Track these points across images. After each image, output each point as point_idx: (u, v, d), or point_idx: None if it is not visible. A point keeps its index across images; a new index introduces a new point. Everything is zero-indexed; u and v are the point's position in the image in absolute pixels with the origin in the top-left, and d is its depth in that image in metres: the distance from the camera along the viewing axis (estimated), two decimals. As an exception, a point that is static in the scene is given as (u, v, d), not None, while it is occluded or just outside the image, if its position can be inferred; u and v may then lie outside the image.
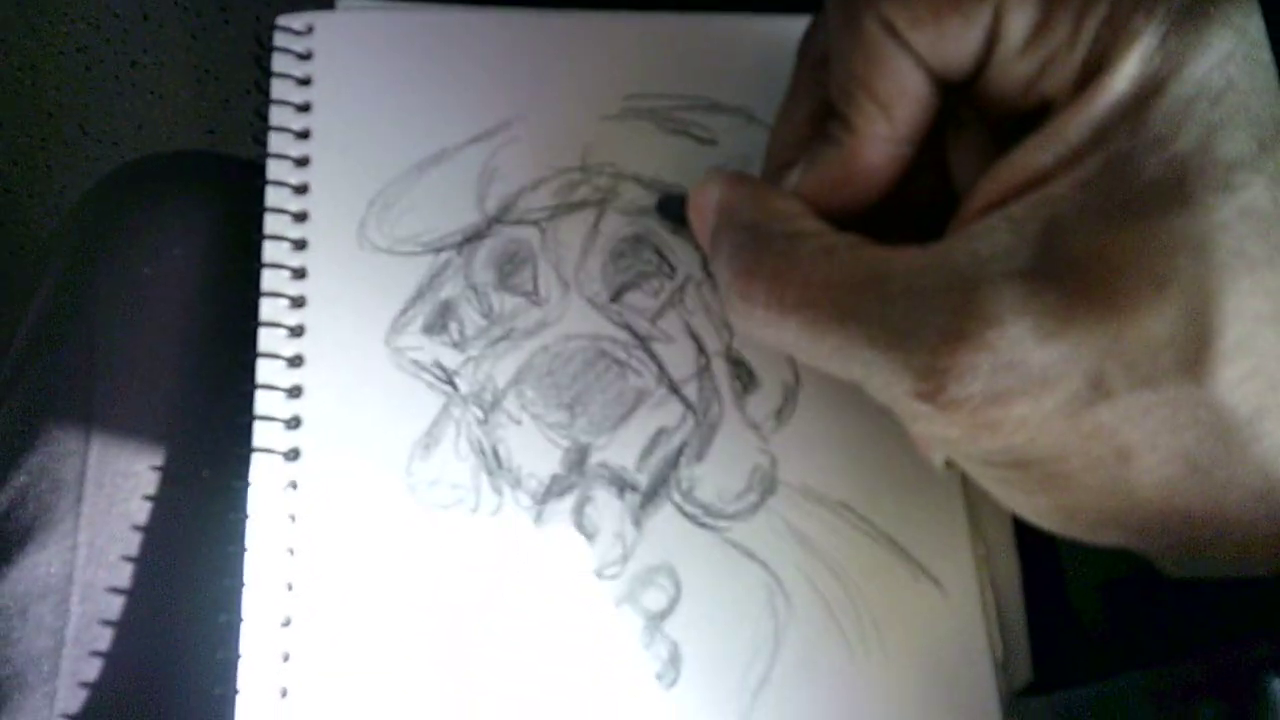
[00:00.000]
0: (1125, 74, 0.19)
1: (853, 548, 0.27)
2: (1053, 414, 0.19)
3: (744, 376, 0.29)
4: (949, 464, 0.23)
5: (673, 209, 0.29)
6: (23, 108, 0.84)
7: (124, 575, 0.29)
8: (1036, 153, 0.19)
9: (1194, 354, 0.18)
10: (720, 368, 0.29)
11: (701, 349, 0.29)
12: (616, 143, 0.30)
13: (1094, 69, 0.19)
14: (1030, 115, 0.21)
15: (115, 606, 0.29)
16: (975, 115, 0.22)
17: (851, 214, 0.23)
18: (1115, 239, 0.18)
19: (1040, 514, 0.21)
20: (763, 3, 0.32)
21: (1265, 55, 0.19)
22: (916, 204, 0.23)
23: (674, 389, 0.28)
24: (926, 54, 0.20)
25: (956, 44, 0.20)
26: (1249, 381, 0.18)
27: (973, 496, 0.28)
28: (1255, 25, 0.19)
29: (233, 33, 0.82)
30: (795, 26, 0.26)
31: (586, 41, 0.31)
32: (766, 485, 0.28)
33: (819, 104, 0.24)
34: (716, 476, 0.28)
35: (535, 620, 0.27)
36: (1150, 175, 0.18)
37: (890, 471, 0.28)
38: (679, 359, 0.29)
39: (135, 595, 0.29)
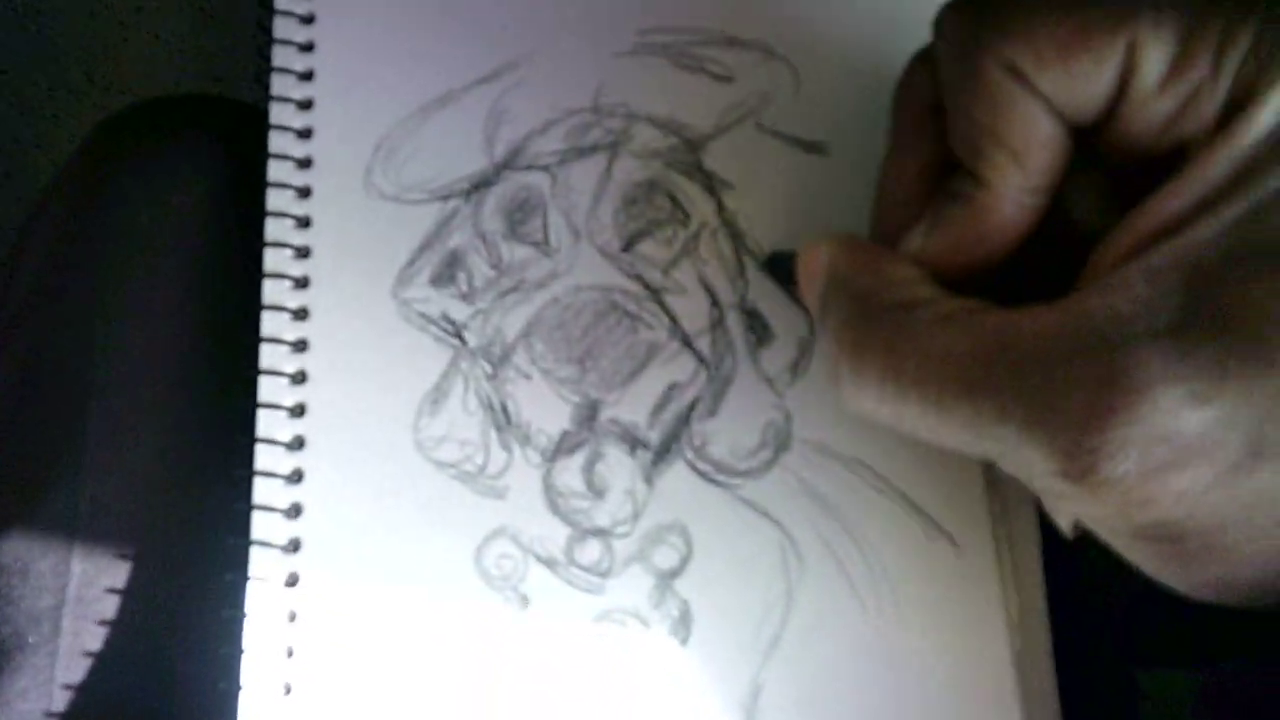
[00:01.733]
0: (1274, 106, 0.17)
1: (867, 505, 0.26)
2: (1212, 485, 0.17)
3: (759, 329, 0.28)
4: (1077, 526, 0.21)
5: (782, 267, 0.27)
6: (27, 55, 0.82)
7: (126, 532, 0.29)
8: (1175, 197, 0.18)
9: None
10: (735, 320, 0.28)
11: (715, 301, 0.28)
12: (629, 81, 0.29)
13: (1238, 104, 0.18)
14: (1161, 157, 0.19)
15: (117, 565, 0.29)
16: (1098, 157, 0.21)
17: (977, 274, 0.21)
18: (1268, 286, 0.17)
19: (1193, 586, 0.19)
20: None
21: None
22: (1031, 254, 0.22)
23: (687, 342, 0.28)
24: (1055, 97, 0.19)
25: (1087, 85, 0.19)
26: None
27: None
28: None
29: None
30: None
31: None
32: (781, 441, 0.27)
33: (931, 157, 0.23)
34: (729, 432, 0.27)
35: (543, 581, 0.26)
36: None
37: (909, 428, 0.27)
38: (692, 311, 0.28)
39: (138, 552, 0.29)
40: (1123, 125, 0.19)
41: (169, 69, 0.82)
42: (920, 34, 0.29)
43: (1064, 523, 0.21)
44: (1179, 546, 0.18)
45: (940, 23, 0.21)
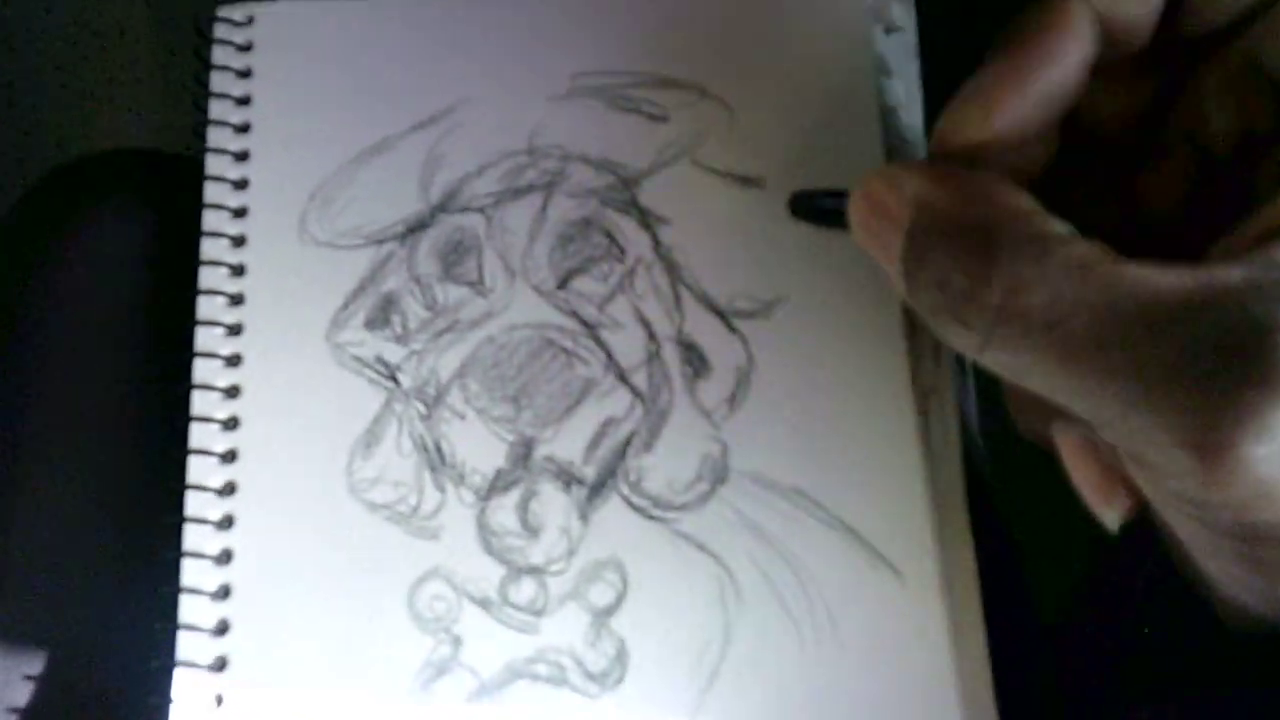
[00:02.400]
0: None
1: (807, 535, 0.26)
2: None
3: (695, 362, 0.28)
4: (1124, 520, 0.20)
5: (817, 207, 0.25)
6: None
7: (56, 579, 0.29)
8: None
9: None
10: (671, 353, 0.28)
11: (652, 334, 0.28)
12: (564, 123, 0.30)
13: None
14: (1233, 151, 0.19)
15: (45, 610, 0.29)
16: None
17: (1051, 121, 0.21)
18: None
19: (1268, 600, 0.18)
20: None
21: None
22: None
23: (622, 377, 0.28)
24: None
25: None
26: None
27: (930, 482, 0.27)
28: None
29: (171, 30, 0.81)
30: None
31: (532, 19, 0.30)
32: (718, 474, 0.27)
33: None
34: (666, 466, 0.27)
35: (476, 622, 0.26)
36: None
37: (847, 456, 0.27)
38: (628, 346, 0.28)
39: (68, 597, 0.29)
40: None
41: (106, 121, 0.82)
42: (853, 68, 0.30)
43: (1114, 516, 0.20)
44: (1276, 552, 0.17)
45: None
